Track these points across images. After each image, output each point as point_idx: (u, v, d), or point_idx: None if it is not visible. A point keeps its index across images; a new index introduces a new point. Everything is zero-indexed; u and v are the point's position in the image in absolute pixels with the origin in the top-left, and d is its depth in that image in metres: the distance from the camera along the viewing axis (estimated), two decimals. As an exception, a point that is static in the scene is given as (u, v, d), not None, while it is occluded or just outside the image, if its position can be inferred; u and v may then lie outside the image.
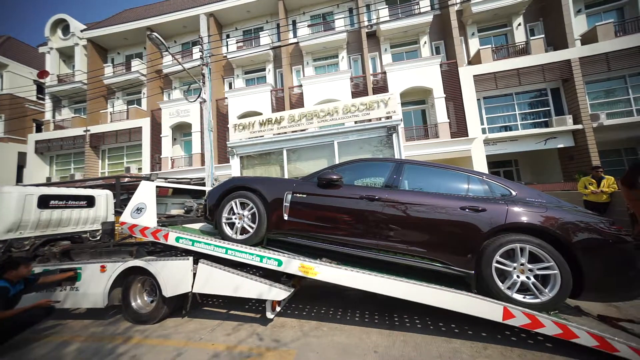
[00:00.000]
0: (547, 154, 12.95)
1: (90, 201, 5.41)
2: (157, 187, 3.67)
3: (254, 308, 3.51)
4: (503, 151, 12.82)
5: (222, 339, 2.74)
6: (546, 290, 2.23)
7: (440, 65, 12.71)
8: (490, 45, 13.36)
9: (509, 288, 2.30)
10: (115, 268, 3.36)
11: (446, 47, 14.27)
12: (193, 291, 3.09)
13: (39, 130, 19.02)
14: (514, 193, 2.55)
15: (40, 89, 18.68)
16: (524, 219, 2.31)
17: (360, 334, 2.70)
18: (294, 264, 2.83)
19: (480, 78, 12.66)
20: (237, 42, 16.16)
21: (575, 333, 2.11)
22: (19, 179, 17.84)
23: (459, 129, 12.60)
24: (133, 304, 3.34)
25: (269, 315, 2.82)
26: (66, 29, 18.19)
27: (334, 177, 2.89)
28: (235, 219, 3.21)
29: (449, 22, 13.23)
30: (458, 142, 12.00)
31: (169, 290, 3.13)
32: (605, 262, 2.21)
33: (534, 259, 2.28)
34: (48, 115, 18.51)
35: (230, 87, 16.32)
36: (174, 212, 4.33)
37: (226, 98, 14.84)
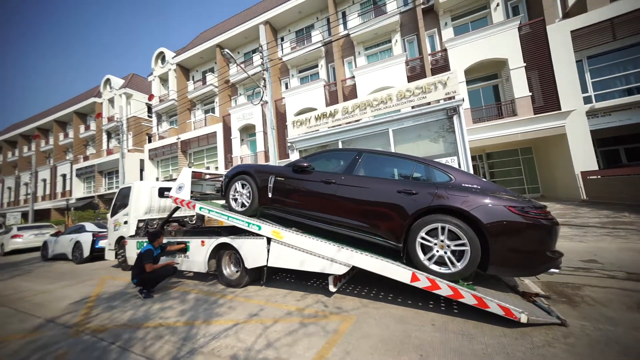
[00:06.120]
0: None
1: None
2: (192, 172, 4.97)
3: (317, 284, 3.97)
4: (622, 123, 9.77)
5: (293, 302, 3.26)
6: (458, 264, 2.51)
7: (519, 28, 10.67)
8: (600, -14, 10.33)
9: (428, 260, 2.65)
10: (211, 243, 4.34)
11: (528, 3, 11.83)
12: (268, 265, 3.72)
13: (150, 141, 24.64)
14: (452, 179, 2.78)
15: (149, 109, 24.12)
16: (446, 202, 2.55)
17: (418, 310, 2.79)
18: (268, 229, 3.65)
19: (583, 32, 9.97)
20: (290, 44, 17.16)
21: (462, 294, 2.43)
22: (141, 180, 23.63)
23: (547, 102, 10.41)
24: (224, 271, 4.26)
25: (332, 288, 3.16)
26: (163, 59, 22.82)
27: (304, 164, 3.52)
28: (238, 195, 4.14)
29: (532, -28, 10.88)
30: (544, 118, 9.97)
31: (249, 263, 3.87)
32: (511, 242, 2.37)
33: (455, 236, 2.51)
34: (154, 129, 23.77)
35: (286, 87, 17.54)
36: (207, 191, 5.59)
37: (283, 98, 16.03)
